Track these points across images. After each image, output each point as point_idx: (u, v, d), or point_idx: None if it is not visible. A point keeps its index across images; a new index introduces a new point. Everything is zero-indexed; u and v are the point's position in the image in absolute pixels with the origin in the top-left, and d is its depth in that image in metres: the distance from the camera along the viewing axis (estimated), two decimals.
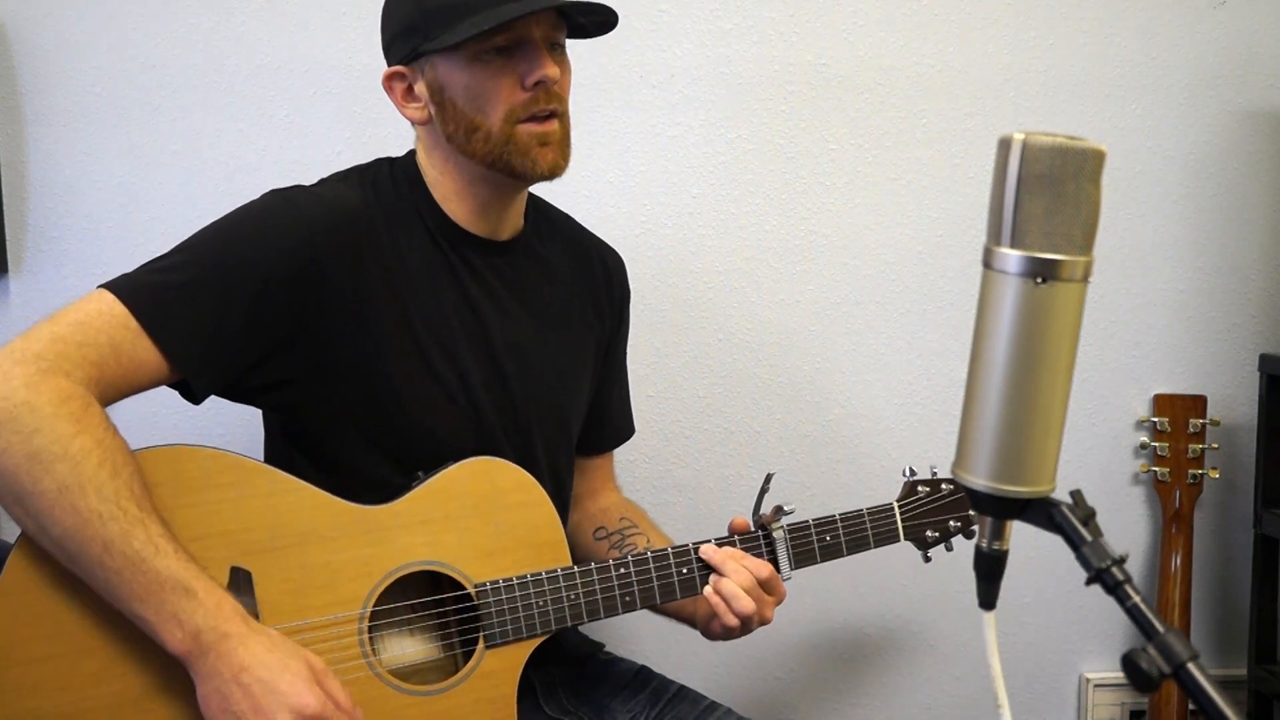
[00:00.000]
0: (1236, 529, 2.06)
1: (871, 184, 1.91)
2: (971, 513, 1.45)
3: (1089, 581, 0.75)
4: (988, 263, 0.75)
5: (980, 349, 0.76)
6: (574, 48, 1.32)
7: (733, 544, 1.35)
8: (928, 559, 1.46)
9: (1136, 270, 2.00)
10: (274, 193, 1.27)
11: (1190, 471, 1.98)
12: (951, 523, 1.46)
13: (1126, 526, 2.04)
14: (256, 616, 1.15)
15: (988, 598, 0.82)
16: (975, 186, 1.93)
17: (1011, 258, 0.73)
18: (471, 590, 1.25)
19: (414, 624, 1.27)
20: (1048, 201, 0.72)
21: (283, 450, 1.33)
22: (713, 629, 1.34)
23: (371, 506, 1.23)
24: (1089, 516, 0.76)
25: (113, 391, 1.13)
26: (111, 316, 1.13)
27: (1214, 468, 1.98)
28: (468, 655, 1.25)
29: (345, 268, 1.24)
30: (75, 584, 1.09)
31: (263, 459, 1.33)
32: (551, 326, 1.40)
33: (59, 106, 1.70)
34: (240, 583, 1.16)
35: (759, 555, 1.35)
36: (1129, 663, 0.72)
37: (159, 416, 1.68)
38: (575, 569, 1.29)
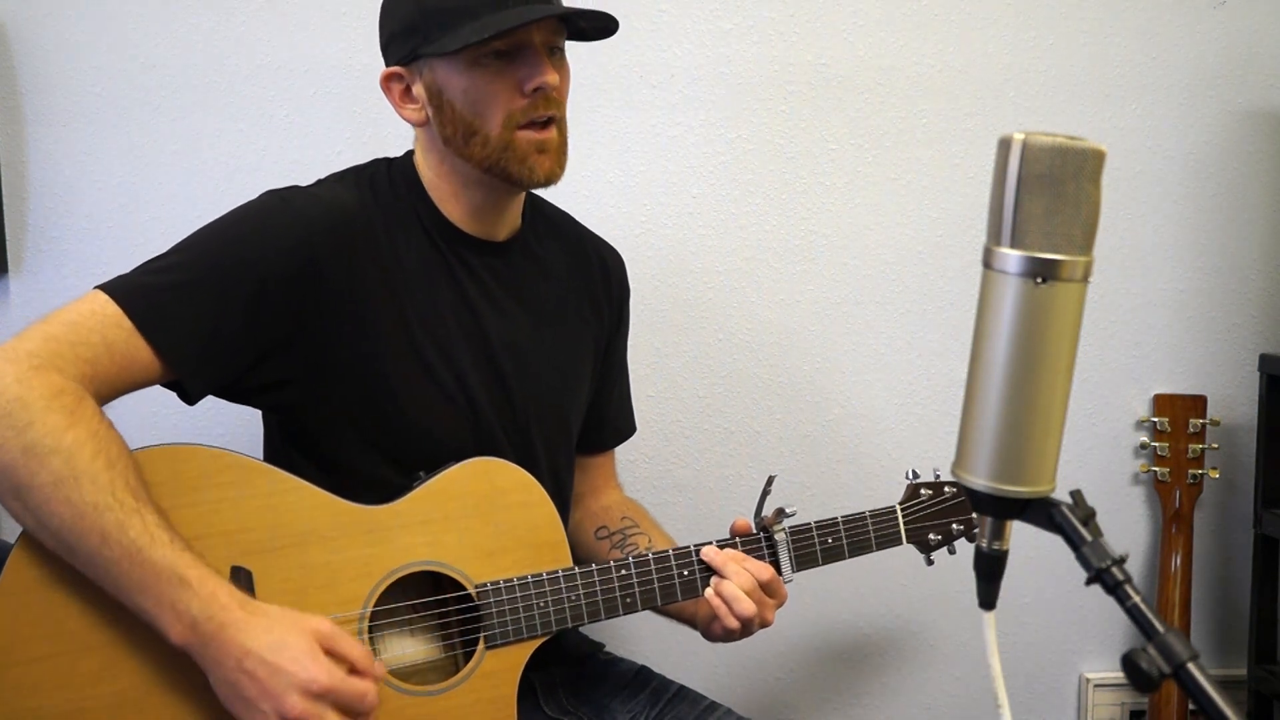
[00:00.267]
0: (1236, 529, 2.06)
1: (871, 184, 1.91)
2: (974, 515, 1.45)
3: (1089, 581, 0.75)
4: (988, 263, 0.75)
5: (980, 349, 0.76)
6: (573, 48, 1.32)
7: (734, 546, 1.35)
8: (930, 561, 1.46)
9: (1136, 270, 2.00)
10: (271, 193, 1.27)
11: (1190, 471, 1.98)
12: (954, 525, 1.46)
13: (1126, 526, 2.04)
14: None
15: (988, 598, 0.82)
16: (975, 186, 1.93)
17: (1011, 258, 0.73)
18: (472, 590, 1.25)
19: (414, 624, 1.27)
20: (1048, 201, 0.72)
21: (282, 450, 1.33)
22: (713, 631, 1.34)
23: (372, 506, 1.23)
24: (1089, 516, 0.76)
25: (107, 389, 1.13)
26: (105, 316, 1.13)
27: (1214, 468, 1.98)
28: (468, 655, 1.25)
29: (342, 268, 1.24)
30: (75, 583, 1.09)
31: (262, 459, 1.33)
32: (549, 324, 1.40)
33: (59, 106, 1.70)
34: (240, 582, 1.15)
35: (760, 557, 1.35)
36: (1129, 663, 0.72)
37: (159, 416, 1.68)
38: (576, 570, 1.29)
